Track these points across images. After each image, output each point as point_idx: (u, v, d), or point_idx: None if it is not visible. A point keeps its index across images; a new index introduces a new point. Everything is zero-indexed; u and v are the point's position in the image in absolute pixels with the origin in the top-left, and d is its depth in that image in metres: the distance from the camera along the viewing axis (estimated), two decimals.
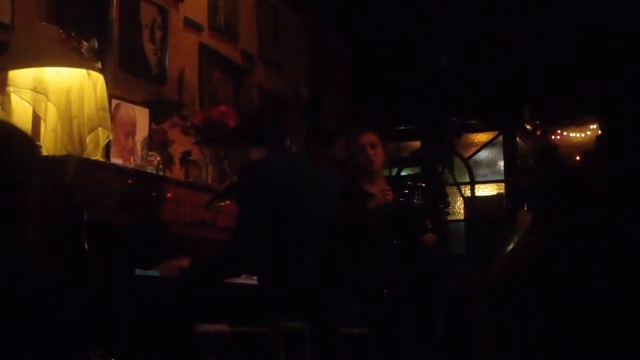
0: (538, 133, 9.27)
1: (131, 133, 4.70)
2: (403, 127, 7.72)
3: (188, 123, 4.76)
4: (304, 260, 3.50)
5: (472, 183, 8.33)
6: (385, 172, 7.10)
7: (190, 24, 5.59)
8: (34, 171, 2.00)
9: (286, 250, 3.47)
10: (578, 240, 1.16)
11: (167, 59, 5.24)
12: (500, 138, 8.36)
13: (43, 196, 3.20)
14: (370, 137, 4.85)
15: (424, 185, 4.52)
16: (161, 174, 4.37)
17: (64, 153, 3.55)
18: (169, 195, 3.95)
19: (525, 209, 3.61)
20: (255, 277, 3.64)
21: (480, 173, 8.49)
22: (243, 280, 3.75)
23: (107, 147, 4.22)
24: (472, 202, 8.13)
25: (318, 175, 3.79)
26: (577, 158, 8.80)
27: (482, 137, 8.47)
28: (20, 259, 2.05)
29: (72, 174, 3.34)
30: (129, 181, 3.71)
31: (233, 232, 3.61)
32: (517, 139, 8.38)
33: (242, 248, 3.46)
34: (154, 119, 4.88)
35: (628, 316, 1.08)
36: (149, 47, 5.12)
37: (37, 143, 3.52)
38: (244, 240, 3.45)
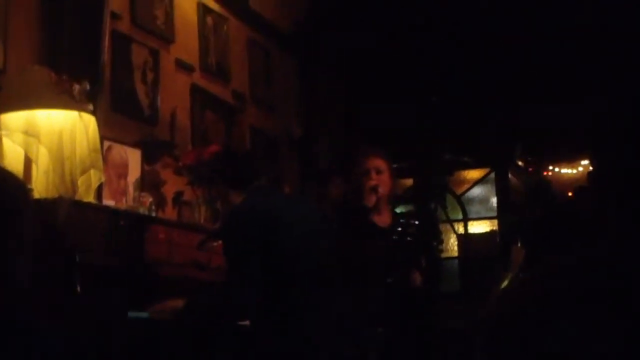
0: (530, 169, 9.31)
1: (123, 174, 4.69)
2: (396, 165, 7.73)
3: (180, 163, 4.77)
4: (296, 302, 3.46)
5: (465, 220, 8.34)
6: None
7: (182, 65, 5.61)
8: (25, 214, 2.00)
9: (277, 293, 3.43)
10: (572, 278, 1.15)
11: (158, 100, 5.26)
12: (493, 175, 8.38)
13: (35, 239, 3.19)
14: (377, 162, 4.56)
15: (417, 222, 4.49)
16: (154, 214, 4.36)
17: (55, 195, 3.54)
18: (161, 236, 3.94)
19: (519, 245, 3.61)
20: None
21: (473, 210, 8.50)
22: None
23: (99, 188, 4.21)
24: (466, 239, 8.13)
25: (305, 213, 3.73)
26: (570, 194, 8.83)
27: (474, 173, 8.49)
28: (12, 301, 2.03)
29: (64, 216, 3.33)
30: (122, 223, 3.70)
31: (225, 278, 3.57)
32: (510, 175, 8.40)
33: (234, 295, 3.41)
34: (146, 159, 4.88)
35: (625, 349, 1.07)
36: (140, 88, 5.13)
37: (29, 186, 3.51)
38: (236, 287, 3.41)
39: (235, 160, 3.83)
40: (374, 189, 4.44)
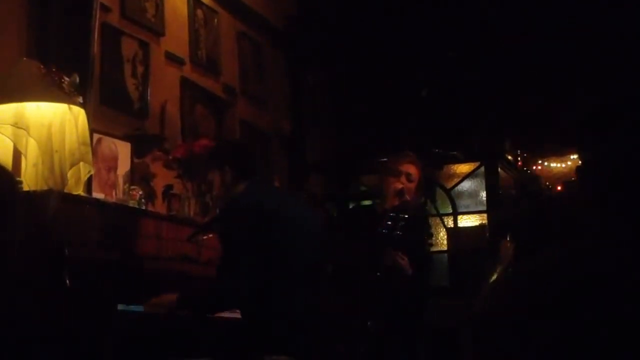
0: (519, 163, 9.33)
1: (113, 167, 4.69)
2: (385, 159, 7.75)
3: (170, 157, 4.76)
4: (288, 295, 3.48)
5: (455, 214, 8.34)
6: (367, 202, 7.12)
7: (172, 58, 5.60)
8: (13, 207, 2.00)
9: (270, 285, 3.45)
10: (561, 272, 1.16)
11: (148, 93, 5.24)
12: (482, 169, 8.38)
13: (24, 232, 3.18)
14: (411, 169, 4.49)
15: (406, 216, 4.48)
16: (143, 208, 4.35)
17: (45, 188, 3.53)
18: (151, 229, 3.93)
19: (508, 239, 3.62)
20: (239, 311, 3.62)
21: (462, 204, 8.50)
22: (227, 314, 3.72)
23: (89, 181, 4.20)
24: (455, 233, 8.14)
25: (299, 209, 3.76)
26: (559, 188, 8.86)
27: (464, 168, 8.50)
28: (0, 294, 2.03)
29: (54, 209, 3.33)
30: (111, 216, 3.69)
31: (219, 267, 3.58)
32: (499, 169, 8.41)
33: (229, 285, 3.43)
34: (135, 153, 4.87)
35: (613, 344, 1.08)
36: (130, 82, 5.12)
37: (18, 178, 3.50)
38: (231, 277, 3.42)
39: (245, 150, 3.92)
40: (400, 193, 4.41)
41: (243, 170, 3.68)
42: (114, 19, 5.02)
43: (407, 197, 4.43)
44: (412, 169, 4.50)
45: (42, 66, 3.70)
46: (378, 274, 4.28)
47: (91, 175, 4.01)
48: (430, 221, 5.94)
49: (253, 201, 3.53)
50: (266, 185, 3.83)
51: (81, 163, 3.69)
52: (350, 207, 7.31)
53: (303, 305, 3.50)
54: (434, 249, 7.13)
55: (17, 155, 3.63)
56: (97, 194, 4.40)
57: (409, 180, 4.48)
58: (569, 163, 9.49)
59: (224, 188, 3.71)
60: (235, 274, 3.41)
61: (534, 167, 9.79)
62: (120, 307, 3.36)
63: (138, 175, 4.81)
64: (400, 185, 4.42)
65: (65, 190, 3.58)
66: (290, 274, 3.50)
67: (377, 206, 4.70)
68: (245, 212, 3.49)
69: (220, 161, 3.72)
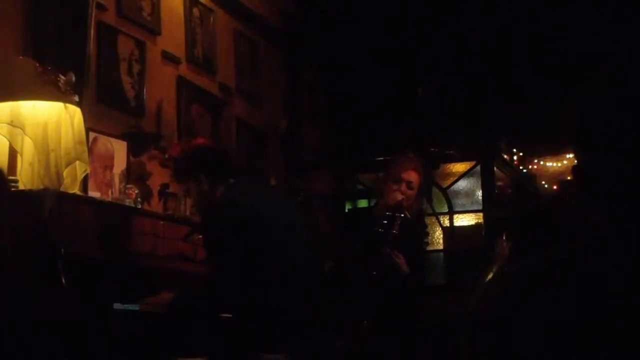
0: (515, 162, 9.34)
1: (109, 166, 4.68)
2: (382, 158, 7.75)
3: (166, 155, 4.76)
4: (280, 294, 3.48)
5: (451, 213, 8.34)
6: (364, 203, 7.13)
7: (168, 57, 5.59)
8: (3, 204, 1.99)
9: (260, 285, 3.45)
10: (556, 271, 1.16)
11: (144, 92, 5.24)
12: (478, 168, 8.38)
13: (19, 230, 3.18)
14: (413, 176, 4.45)
15: (402, 215, 4.48)
16: (139, 207, 4.35)
17: (41, 187, 3.53)
18: (147, 228, 3.93)
19: (504, 238, 3.62)
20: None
21: (458, 203, 8.50)
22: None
23: (85, 180, 4.20)
24: (451, 232, 8.14)
25: (281, 208, 3.75)
26: (555, 187, 8.86)
27: (460, 167, 8.49)
28: None
29: (49, 208, 3.33)
30: (107, 215, 3.69)
31: (209, 272, 3.58)
32: (495, 168, 8.41)
33: (217, 292, 3.44)
34: (132, 151, 4.87)
35: (608, 345, 1.08)
36: (126, 80, 5.12)
37: (13, 177, 3.50)
38: (217, 282, 3.43)
39: (217, 153, 3.82)
40: (399, 205, 4.40)
41: (219, 175, 3.64)
42: (110, 17, 5.01)
43: (408, 214, 4.43)
44: (413, 176, 4.46)
45: (38, 65, 3.70)
46: (374, 272, 4.28)
47: (87, 174, 4.01)
48: (426, 220, 5.94)
49: (232, 205, 3.52)
50: (245, 186, 3.79)
51: (77, 162, 3.69)
52: (348, 207, 7.33)
53: (296, 304, 3.50)
54: (430, 248, 7.14)
55: (12, 154, 3.63)
56: (93, 193, 4.40)
57: (410, 187, 4.45)
58: (565, 162, 9.50)
59: (200, 197, 3.66)
60: (223, 280, 3.41)
61: (530, 166, 9.80)
62: (116, 305, 3.36)
63: (134, 174, 4.81)
64: (400, 197, 4.40)
65: (61, 189, 3.58)
66: (279, 273, 3.50)
67: (374, 207, 4.71)
68: (226, 216, 3.49)
69: (194, 171, 3.67)
